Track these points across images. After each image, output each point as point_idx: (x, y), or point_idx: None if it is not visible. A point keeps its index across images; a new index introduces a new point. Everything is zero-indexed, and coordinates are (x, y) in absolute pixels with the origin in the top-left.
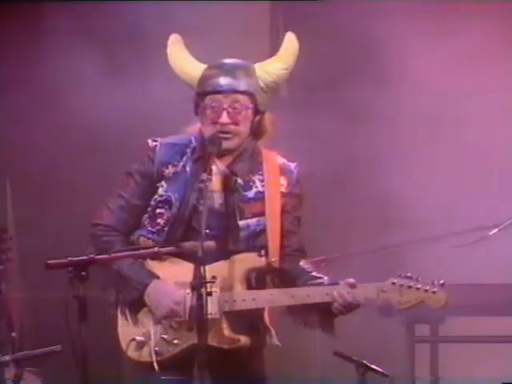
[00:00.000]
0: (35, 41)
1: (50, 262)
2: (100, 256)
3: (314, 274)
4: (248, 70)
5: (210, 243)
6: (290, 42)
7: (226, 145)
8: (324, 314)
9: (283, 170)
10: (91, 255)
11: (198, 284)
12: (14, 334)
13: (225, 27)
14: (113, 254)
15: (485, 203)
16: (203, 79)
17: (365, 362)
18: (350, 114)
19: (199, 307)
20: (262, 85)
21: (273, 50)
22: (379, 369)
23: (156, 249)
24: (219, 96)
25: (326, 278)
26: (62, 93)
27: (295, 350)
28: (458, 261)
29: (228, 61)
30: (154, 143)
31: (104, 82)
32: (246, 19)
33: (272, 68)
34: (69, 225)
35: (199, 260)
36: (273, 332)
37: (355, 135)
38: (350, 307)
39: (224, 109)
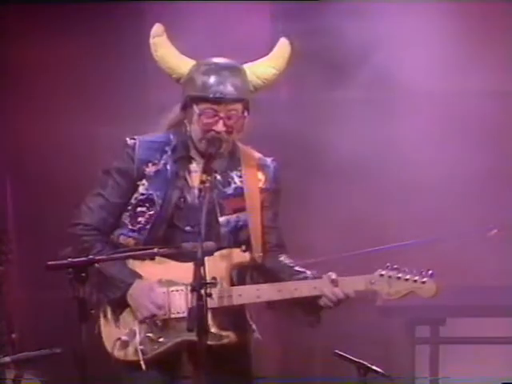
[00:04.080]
0: (38, 39)
1: (50, 263)
2: (100, 257)
3: (297, 268)
4: (243, 75)
5: (210, 244)
6: (283, 47)
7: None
8: (309, 308)
9: (260, 166)
10: (91, 256)
11: (198, 285)
12: (14, 336)
13: (225, 27)
14: (111, 255)
15: (485, 203)
16: (201, 84)
17: (365, 362)
18: (348, 114)
19: (198, 308)
20: (251, 88)
21: (272, 49)
22: (380, 370)
23: (156, 250)
24: (216, 105)
25: (308, 272)
26: (61, 92)
27: (295, 350)
28: (459, 261)
29: (221, 63)
30: (133, 141)
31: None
32: (245, 19)
33: (262, 72)
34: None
35: (199, 261)
36: (254, 326)
37: (354, 136)
38: (339, 301)
39: (221, 118)
